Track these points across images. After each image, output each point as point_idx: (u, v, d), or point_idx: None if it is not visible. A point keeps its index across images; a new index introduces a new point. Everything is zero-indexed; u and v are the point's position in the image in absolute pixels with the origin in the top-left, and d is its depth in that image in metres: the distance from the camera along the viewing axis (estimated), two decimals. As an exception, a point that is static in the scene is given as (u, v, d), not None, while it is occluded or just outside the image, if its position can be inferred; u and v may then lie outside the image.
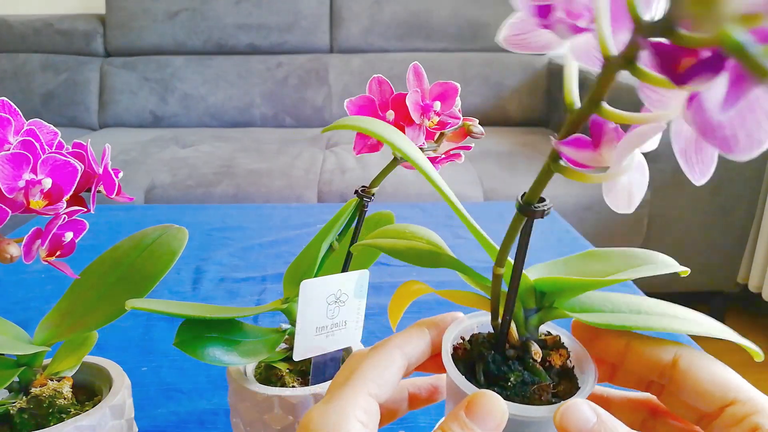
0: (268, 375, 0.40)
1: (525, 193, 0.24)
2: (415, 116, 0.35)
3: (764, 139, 0.16)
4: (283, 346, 0.41)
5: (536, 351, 0.27)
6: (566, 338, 0.29)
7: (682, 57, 0.16)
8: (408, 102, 0.34)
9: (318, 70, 2.10)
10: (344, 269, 0.40)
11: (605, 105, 0.19)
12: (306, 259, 0.40)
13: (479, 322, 0.30)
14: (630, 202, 0.22)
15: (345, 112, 0.36)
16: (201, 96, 2.08)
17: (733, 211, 1.50)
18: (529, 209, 0.24)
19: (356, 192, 0.38)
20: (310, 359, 0.39)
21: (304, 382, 0.39)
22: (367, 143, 0.37)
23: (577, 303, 0.28)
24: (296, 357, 0.37)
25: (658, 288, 1.56)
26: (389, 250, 0.31)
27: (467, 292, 0.30)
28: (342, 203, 0.42)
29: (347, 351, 0.42)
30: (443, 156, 0.37)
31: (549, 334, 0.30)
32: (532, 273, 0.29)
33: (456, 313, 0.30)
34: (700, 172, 0.20)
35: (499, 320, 0.27)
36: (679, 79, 0.16)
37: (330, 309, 0.37)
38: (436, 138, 0.37)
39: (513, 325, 0.28)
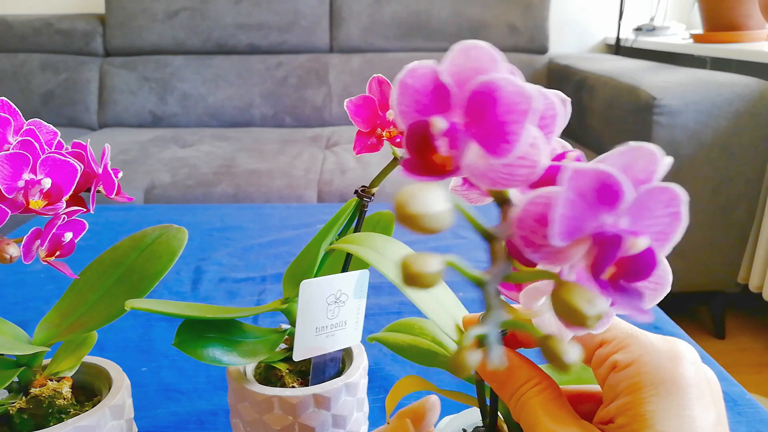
0: (268, 375, 0.40)
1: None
2: (415, 116, 0.35)
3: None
4: (282, 346, 0.41)
5: None
6: None
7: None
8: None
9: (318, 70, 2.10)
10: (344, 269, 0.40)
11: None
12: (306, 259, 0.40)
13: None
14: (560, 335, 0.24)
15: (345, 111, 0.36)
16: (201, 96, 2.08)
17: (733, 211, 1.50)
18: None
19: (356, 192, 0.38)
20: (310, 359, 0.39)
21: (304, 383, 0.39)
22: (367, 143, 0.36)
23: None
24: (296, 357, 0.37)
25: (657, 288, 1.56)
26: (393, 346, 0.34)
27: (459, 393, 0.32)
28: (342, 203, 0.42)
29: (347, 351, 0.42)
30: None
31: None
32: None
33: (431, 396, 0.32)
34: (599, 324, 0.23)
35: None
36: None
37: (330, 309, 0.37)
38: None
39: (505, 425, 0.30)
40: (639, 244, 0.17)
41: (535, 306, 0.22)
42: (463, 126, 0.19)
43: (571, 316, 0.17)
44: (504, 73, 0.19)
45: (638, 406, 0.22)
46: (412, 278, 0.16)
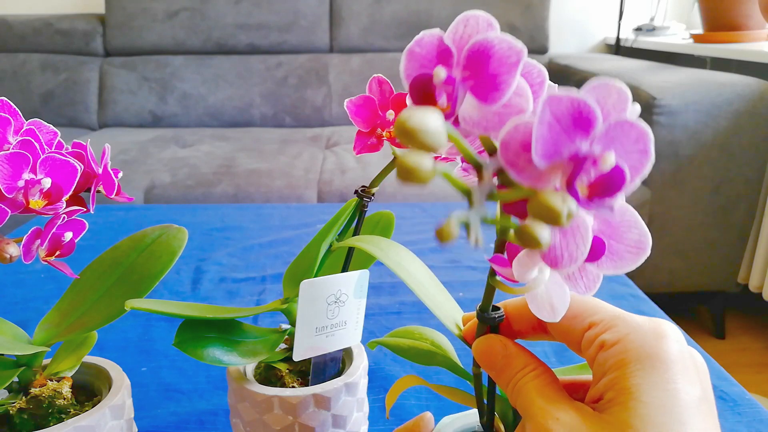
0: (267, 375, 0.40)
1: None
2: (415, 116, 0.35)
3: (579, 257, 0.21)
4: (283, 346, 0.41)
5: None
6: None
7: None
8: (408, 102, 0.34)
9: (318, 70, 2.10)
10: (344, 269, 0.40)
11: (512, 231, 0.24)
12: (306, 259, 0.40)
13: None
14: (553, 311, 0.25)
15: (345, 111, 0.36)
16: (201, 96, 2.08)
17: (733, 211, 1.50)
18: (485, 317, 0.28)
19: (356, 192, 0.38)
20: (310, 359, 0.39)
21: (304, 383, 0.39)
22: (367, 143, 0.36)
23: None
24: (296, 357, 0.37)
25: (658, 288, 1.56)
26: (394, 348, 0.35)
27: (456, 389, 0.33)
28: (342, 203, 0.42)
29: (347, 351, 0.42)
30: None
31: None
32: None
33: (425, 414, 0.33)
34: (585, 286, 0.24)
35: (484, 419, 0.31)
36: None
37: (330, 309, 0.37)
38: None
39: (502, 426, 0.31)
40: (608, 159, 0.20)
41: (528, 277, 0.23)
42: (461, 79, 0.22)
43: (545, 212, 0.19)
44: (498, 33, 0.22)
45: (624, 380, 0.23)
46: (407, 171, 0.18)
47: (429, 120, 0.19)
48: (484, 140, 0.23)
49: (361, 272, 0.38)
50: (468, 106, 0.22)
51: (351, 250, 0.39)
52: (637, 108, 0.21)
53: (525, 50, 0.21)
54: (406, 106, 0.35)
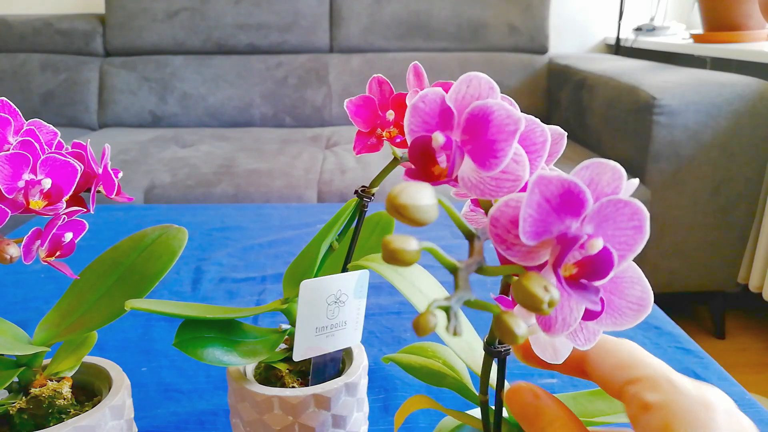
0: (267, 375, 0.40)
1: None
2: (415, 116, 0.35)
3: (573, 323, 0.21)
4: (283, 346, 0.41)
5: None
6: None
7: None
8: (408, 102, 0.34)
9: (318, 70, 2.10)
10: (344, 269, 0.40)
11: (514, 278, 0.24)
12: (306, 259, 0.40)
13: None
14: (555, 354, 0.25)
15: (345, 111, 0.36)
16: (201, 96, 2.08)
17: (733, 211, 1.50)
18: (491, 350, 0.28)
19: (356, 192, 0.38)
20: (310, 359, 0.39)
21: (304, 383, 0.39)
22: (367, 143, 0.36)
23: None
24: (296, 357, 0.37)
25: (658, 288, 1.56)
26: (405, 366, 0.35)
27: (466, 414, 0.33)
28: (342, 203, 0.42)
29: (347, 351, 0.42)
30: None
31: None
32: None
33: None
34: (584, 338, 0.24)
35: None
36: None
37: (330, 309, 0.37)
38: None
39: None
40: (595, 244, 0.20)
41: (529, 321, 0.23)
42: (460, 143, 0.22)
43: (527, 299, 0.19)
44: (498, 99, 0.22)
45: None
46: (392, 253, 0.18)
47: (420, 196, 0.19)
48: (483, 202, 0.24)
49: (361, 272, 0.38)
50: (467, 167, 0.23)
51: (351, 250, 0.39)
52: (633, 183, 0.21)
53: (523, 120, 0.21)
54: (405, 106, 0.35)
